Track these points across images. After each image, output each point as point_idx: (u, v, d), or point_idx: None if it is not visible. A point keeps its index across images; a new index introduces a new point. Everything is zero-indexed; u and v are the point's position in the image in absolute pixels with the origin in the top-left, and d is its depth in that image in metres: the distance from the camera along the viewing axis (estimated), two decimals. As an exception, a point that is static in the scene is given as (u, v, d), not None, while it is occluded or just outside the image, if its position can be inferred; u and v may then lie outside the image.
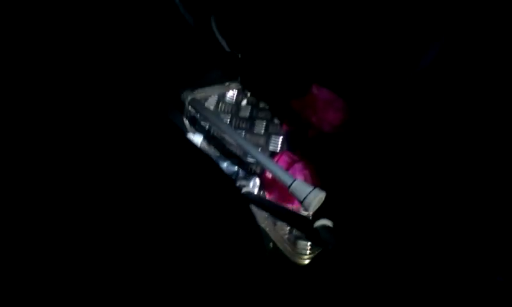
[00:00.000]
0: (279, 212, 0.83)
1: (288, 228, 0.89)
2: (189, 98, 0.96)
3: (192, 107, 0.98)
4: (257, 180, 0.97)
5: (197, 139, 1.05)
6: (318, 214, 0.76)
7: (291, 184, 0.75)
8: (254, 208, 0.86)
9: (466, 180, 0.77)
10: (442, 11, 0.78)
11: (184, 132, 1.06)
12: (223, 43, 1.04)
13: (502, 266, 0.69)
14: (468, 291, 0.69)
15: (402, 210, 0.81)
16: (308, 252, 0.84)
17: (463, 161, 0.78)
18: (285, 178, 0.77)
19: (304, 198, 0.73)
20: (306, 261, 0.83)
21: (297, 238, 0.87)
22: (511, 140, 0.72)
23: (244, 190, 0.90)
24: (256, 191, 0.96)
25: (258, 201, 0.91)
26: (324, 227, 0.71)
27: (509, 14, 0.71)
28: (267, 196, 0.95)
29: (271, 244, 0.84)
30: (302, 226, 0.77)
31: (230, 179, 0.93)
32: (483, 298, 0.68)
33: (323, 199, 0.76)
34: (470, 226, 0.73)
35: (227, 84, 1.12)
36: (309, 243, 0.85)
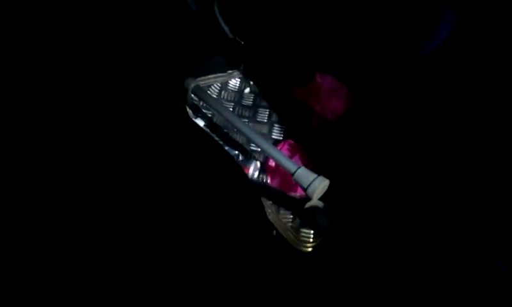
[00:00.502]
0: (276, 196, 0.82)
1: (292, 216, 0.89)
2: (192, 85, 0.95)
3: (195, 95, 0.97)
4: (258, 163, 0.97)
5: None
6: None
7: (295, 171, 0.74)
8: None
9: (470, 167, 0.77)
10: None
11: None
12: (226, 29, 1.03)
13: (504, 254, 0.69)
14: (469, 277, 0.70)
15: (404, 199, 0.81)
16: (311, 240, 0.84)
17: (467, 149, 0.78)
18: (289, 165, 0.77)
19: (309, 185, 0.73)
20: (309, 249, 0.83)
21: (301, 226, 0.87)
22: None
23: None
24: (256, 175, 0.96)
25: (257, 185, 0.90)
26: (318, 211, 0.71)
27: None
28: (269, 183, 0.95)
29: (275, 232, 0.84)
30: (299, 210, 0.77)
31: (231, 157, 0.93)
32: (485, 287, 0.68)
33: (327, 187, 0.76)
34: (475, 205, 0.73)
35: (230, 71, 1.11)
36: (312, 231, 0.85)
